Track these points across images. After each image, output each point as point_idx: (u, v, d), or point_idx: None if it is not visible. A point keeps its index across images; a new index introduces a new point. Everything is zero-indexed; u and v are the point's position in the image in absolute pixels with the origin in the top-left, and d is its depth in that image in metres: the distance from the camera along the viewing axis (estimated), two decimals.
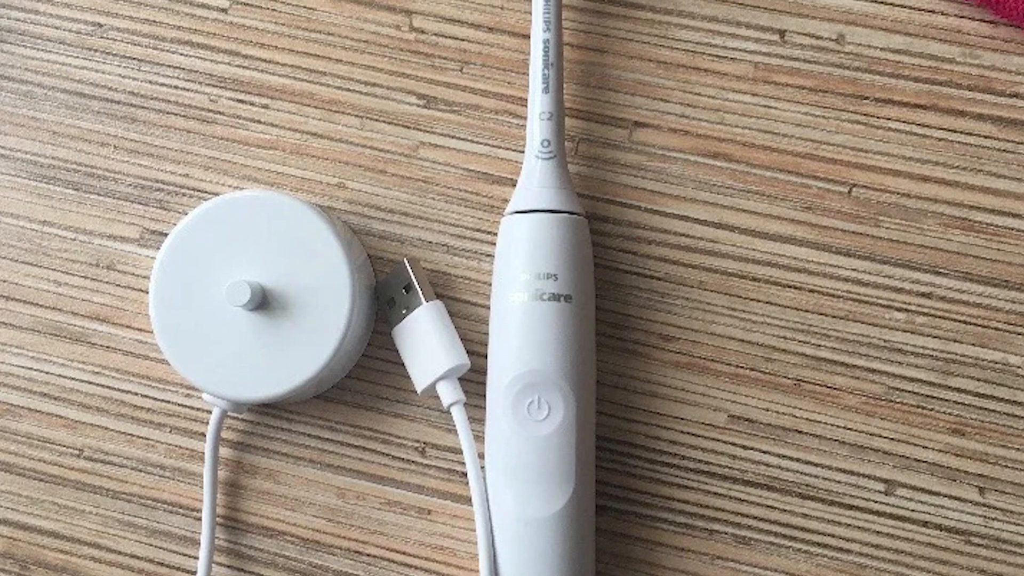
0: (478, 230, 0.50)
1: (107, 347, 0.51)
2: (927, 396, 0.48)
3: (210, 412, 0.50)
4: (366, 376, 0.50)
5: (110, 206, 0.51)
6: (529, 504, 0.45)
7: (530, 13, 0.48)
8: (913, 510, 0.48)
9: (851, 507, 0.48)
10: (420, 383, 0.48)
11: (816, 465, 0.48)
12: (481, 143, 0.50)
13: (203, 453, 0.50)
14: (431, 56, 0.51)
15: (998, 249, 0.48)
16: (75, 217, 0.51)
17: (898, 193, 0.48)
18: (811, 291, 0.48)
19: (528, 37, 0.49)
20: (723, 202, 0.49)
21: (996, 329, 0.48)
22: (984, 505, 0.47)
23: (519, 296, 0.45)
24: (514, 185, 0.49)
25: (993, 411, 0.48)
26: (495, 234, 0.50)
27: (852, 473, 0.48)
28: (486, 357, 0.47)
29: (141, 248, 0.51)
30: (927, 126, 0.49)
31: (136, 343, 0.51)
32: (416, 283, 0.48)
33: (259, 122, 0.51)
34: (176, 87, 0.52)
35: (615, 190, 0.49)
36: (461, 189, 0.50)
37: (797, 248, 0.49)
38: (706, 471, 0.48)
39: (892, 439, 0.48)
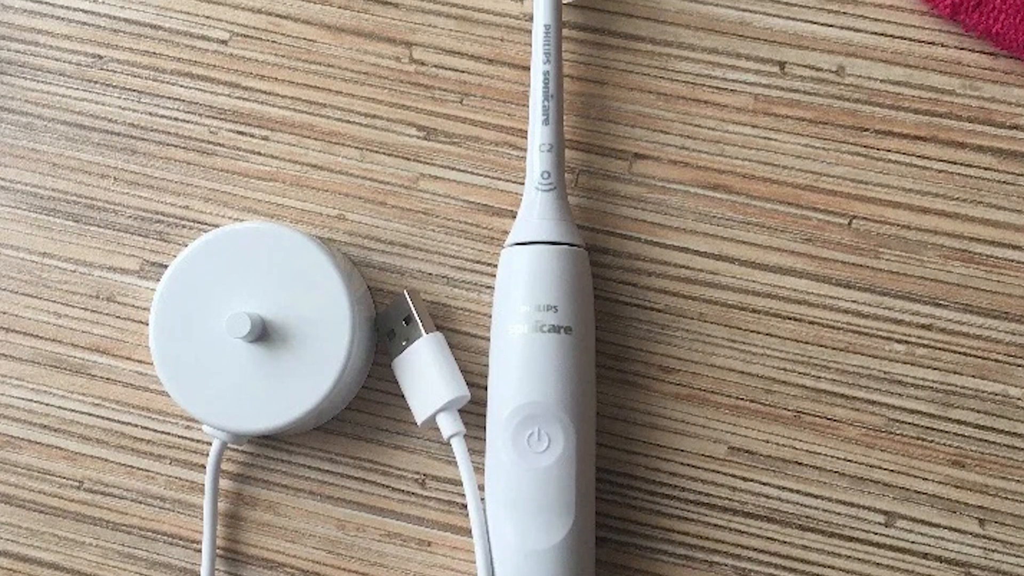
0: (478, 262, 0.51)
1: (107, 379, 0.52)
2: (927, 428, 0.49)
3: (210, 444, 0.51)
4: (366, 408, 0.51)
5: (110, 238, 0.52)
6: (529, 536, 0.45)
7: (530, 45, 0.50)
8: (913, 542, 0.49)
9: (851, 539, 0.49)
10: (420, 415, 0.49)
11: (816, 497, 0.49)
12: (481, 175, 0.51)
13: (203, 485, 0.51)
14: (431, 88, 0.52)
15: (998, 281, 0.49)
16: (75, 249, 0.52)
17: (898, 225, 0.49)
18: (811, 323, 0.49)
19: (528, 69, 0.50)
20: (723, 234, 0.50)
21: (996, 361, 0.49)
22: (984, 537, 0.48)
23: (519, 328, 0.46)
24: (514, 217, 0.50)
25: (993, 443, 0.49)
26: (495, 266, 0.50)
27: (852, 505, 0.49)
28: (486, 389, 0.48)
29: (141, 280, 0.52)
30: (927, 158, 0.50)
31: (136, 375, 0.52)
32: (416, 315, 0.49)
33: (259, 154, 0.52)
34: (176, 119, 0.53)
35: (615, 222, 0.50)
36: (461, 221, 0.51)
37: (797, 280, 0.50)
38: (706, 503, 0.49)
39: (892, 471, 0.49)
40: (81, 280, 0.52)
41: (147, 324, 0.50)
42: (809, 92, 0.50)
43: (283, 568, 0.51)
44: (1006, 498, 0.48)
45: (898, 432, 0.49)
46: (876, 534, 0.49)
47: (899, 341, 0.49)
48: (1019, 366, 0.49)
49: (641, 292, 0.50)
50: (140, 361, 0.52)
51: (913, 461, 0.49)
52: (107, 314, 0.52)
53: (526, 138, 0.49)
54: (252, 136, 0.52)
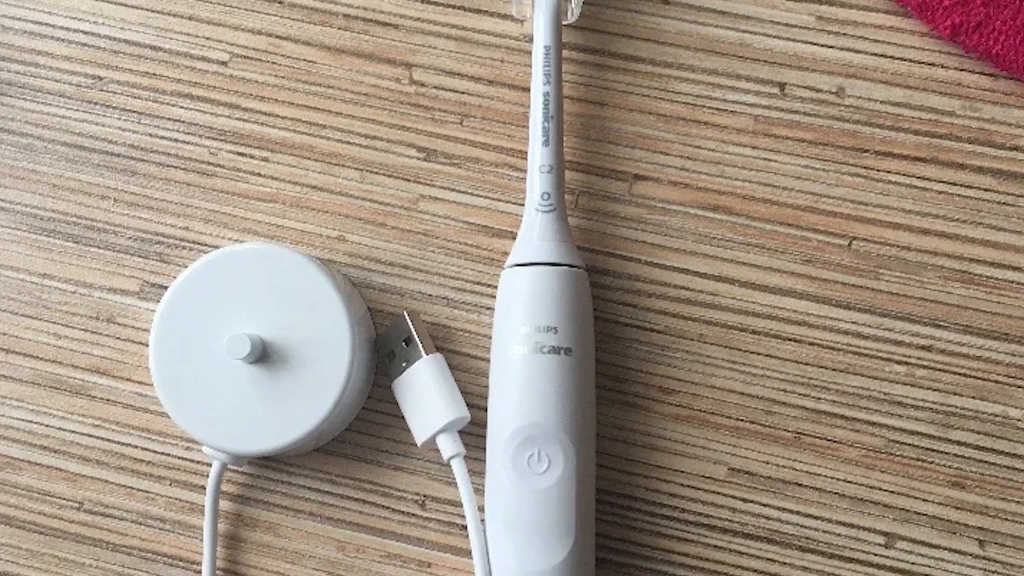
0: (478, 283, 0.52)
1: (107, 400, 0.53)
2: (927, 449, 0.50)
3: (210, 465, 0.51)
4: (366, 429, 0.52)
5: (110, 259, 0.53)
6: (529, 557, 0.46)
7: (530, 66, 0.50)
8: (913, 563, 0.49)
9: (851, 560, 0.50)
10: (420, 436, 0.49)
11: (816, 518, 0.50)
12: (481, 196, 0.52)
13: (203, 506, 0.51)
14: (431, 109, 0.52)
15: (998, 302, 0.50)
16: (75, 270, 0.53)
17: (898, 246, 0.50)
18: (811, 344, 0.50)
19: (528, 90, 0.50)
20: (723, 255, 0.51)
21: (996, 382, 0.50)
22: (984, 558, 0.49)
23: (519, 349, 0.47)
24: (514, 238, 0.50)
25: (993, 464, 0.49)
26: (495, 287, 0.51)
27: (852, 526, 0.50)
28: (486, 410, 0.49)
29: (141, 301, 0.53)
30: (927, 179, 0.50)
31: (136, 396, 0.52)
32: (416, 336, 0.50)
33: (259, 175, 0.53)
34: (176, 140, 0.53)
35: (615, 243, 0.51)
36: (461, 242, 0.52)
37: (797, 301, 0.50)
38: (706, 524, 0.50)
39: (892, 492, 0.50)
40: (81, 301, 0.53)
41: (147, 345, 0.51)
42: (809, 113, 0.51)
43: None
44: (1006, 519, 0.49)
45: (898, 453, 0.50)
46: (876, 555, 0.50)
47: (899, 362, 0.50)
48: (1019, 387, 0.50)
49: (641, 313, 0.51)
50: (140, 382, 0.53)
51: (913, 482, 0.50)
52: (107, 335, 0.53)
53: (526, 159, 0.50)
54: (252, 157, 0.53)
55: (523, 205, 0.50)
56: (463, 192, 0.52)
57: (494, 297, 0.51)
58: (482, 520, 0.48)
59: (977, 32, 0.50)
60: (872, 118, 0.51)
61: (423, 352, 0.50)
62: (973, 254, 0.50)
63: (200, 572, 0.52)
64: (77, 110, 0.54)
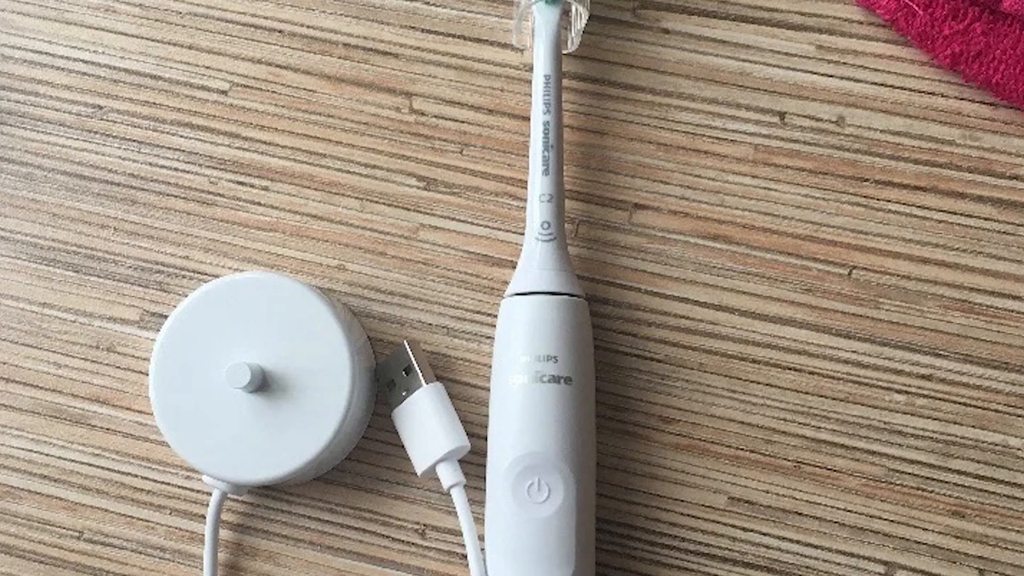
0: (478, 312, 0.53)
1: (107, 429, 0.53)
2: (927, 478, 0.50)
3: (210, 494, 0.52)
4: (366, 458, 0.52)
5: (110, 288, 0.54)
6: None
7: (530, 95, 0.51)
8: None
9: None
10: (420, 465, 0.50)
11: (816, 547, 0.51)
12: (481, 225, 0.53)
13: (203, 535, 0.52)
14: (431, 138, 0.53)
15: (998, 331, 0.51)
16: (75, 299, 0.54)
17: (898, 275, 0.51)
18: (811, 373, 0.51)
19: (528, 119, 0.51)
20: (723, 284, 0.52)
21: (996, 411, 0.50)
22: None
23: (519, 378, 0.48)
24: (514, 267, 0.51)
25: (993, 493, 0.50)
26: (495, 316, 0.52)
27: (852, 555, 0.50)
28: (486, 439, 0.49)
29: (141, 330, 0.54)
30: (927, 208, 0.51)
31: (136, 425, 0.53)
32: (416, 365, 0.51)
33: (259, 204, 0.54)
34: (176, 169, 0.54)
35: (615, 272, 0.52)
36: (461, 271, 0.53)
37: (797, 330, 0.51)
38: (706, 553, 0.51)
39: (892, 521, 0.50)
40: (81, 330, 0.54)
41: (147, 374, 0.51)
42: (809, 142, 0.52)
43: None
44: (1006, 548, 0.50)
45: (898, 482, 0.50)
46: None
47: (899, 391, 0.51)
48: (1019, 416, 0.50)
49: (641, 342, 0.52)
50: (140, 411, 0.53)
51: (913, 511, 0.50)
52: (107, 364, 0.54)
53: (526, 188, 0.51)
54: (252, 186, 0.54)
55: (523, 234, 0.51)
56: (463, 221, 0.53)
57: (494, 326, 0.52)
58: (482, 549, 0.49)
59: (977, 61, 0.51)
60: (872, 147, 0.52)
61: (423, 381, 0.50)
62: (973, 283, 0.51)
63: None
64: (77, 139, 0.55)
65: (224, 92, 0.55)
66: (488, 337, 0.52)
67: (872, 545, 0.50)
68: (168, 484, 0.53)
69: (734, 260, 0.52)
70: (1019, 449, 0.50)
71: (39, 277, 0.54)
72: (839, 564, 0.51)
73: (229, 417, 0.49)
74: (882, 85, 0.52)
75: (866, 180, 0.52)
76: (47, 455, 0.54)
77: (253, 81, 0.54)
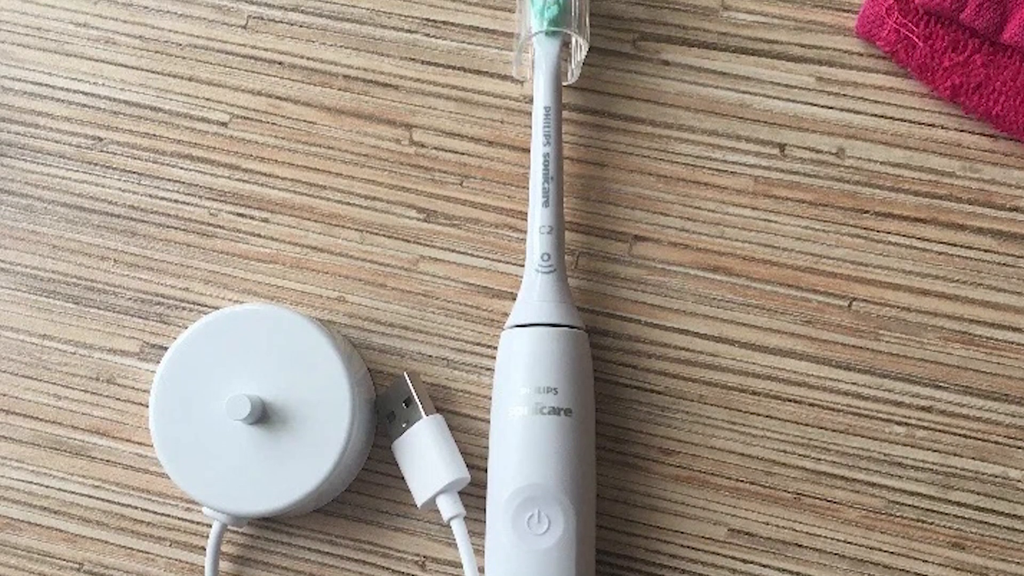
0: (478, 344, 0.53)
1: (107, 461, 0.54)
2: (927, 510, 0.51)
3: (210, 526, 0.53)
4: (366, 490, 0.53)
5: (110, 320, 0.55)
6: None
7: (530, 127, 0.52)
8: None
9: None
10: (420, 497, 0.51)
11: None
12: (481, 257, 0.54)
13: (203, 567, 0.53)
14: (431, 170, 0.54)
15: (998, 363, 0.52)
16: (75, 331, 0.55)
17: (898, 307, 0.52)
18: (811, 405, 0.52)
19: (528, 151, 0.52)
20: (723, 316, 0.53)
21: (996, 443, 0.51)
22: None
23: (519, 410, 0.48)
24: (514, 299, 0.52)
25: (993, 525, 0.51)
26: (495, 348, 0.53)
27: None
28: (486, 471, 0.50)
29: (141, 362, 0.55)
30: (927, 240, 0.52)
31: (136, 457, 0.54)
32: (416, 397, 0.51)
33: (259, 236, 0.55)
34: (176, 201, 0.55)
35: (615, 304, 0.53)
36: (461, 303, 0.54)
37: (797, 362, 0.52)
38: None
39: (892, 553, 0.51)
40: (81, 362, 0.55)
41: (147, 406, 0.52)
42: (809, 174, 0.53)
43: None
44: None
45: (898, 514, 0.51)
46: None
47: (899, 423, 0.52)
48: (1019, 448, 0.51)
49: (641, 374, 0.53)
50: (140, 443, 0.54)
51: (913, 543, 0.51)
52: (107, 396, 0.55)
53: (526, 220, 0.51)
54: (252, 218, 0.55)
55: (523, 266, 0.52)
56: (463, 253, 0.54)
57: (494, 358, 0.53)
58: None
59: (977, 93, 0.52)
60: (872, 179, 0.53)
61: (423, 413, 0.51)
62: (973, 315, 0.52)
63: None
64: (77, 171, 0.56)
65: (224, 124, 0.56)
66: (488, 369, 0.53)
67: None
68: (168, 516, 0.54)
69: (734, 292, 0.53)
70: (1019, 481, 0.51)
71: (39, 309, 0.55)
72: None
73: (229, 449, 0.49)
74: (882, 117, 0.53)
75: (866, 212, 0.53)
76: (47, 487, 0.54)
77: (253, 113, 0.55)
